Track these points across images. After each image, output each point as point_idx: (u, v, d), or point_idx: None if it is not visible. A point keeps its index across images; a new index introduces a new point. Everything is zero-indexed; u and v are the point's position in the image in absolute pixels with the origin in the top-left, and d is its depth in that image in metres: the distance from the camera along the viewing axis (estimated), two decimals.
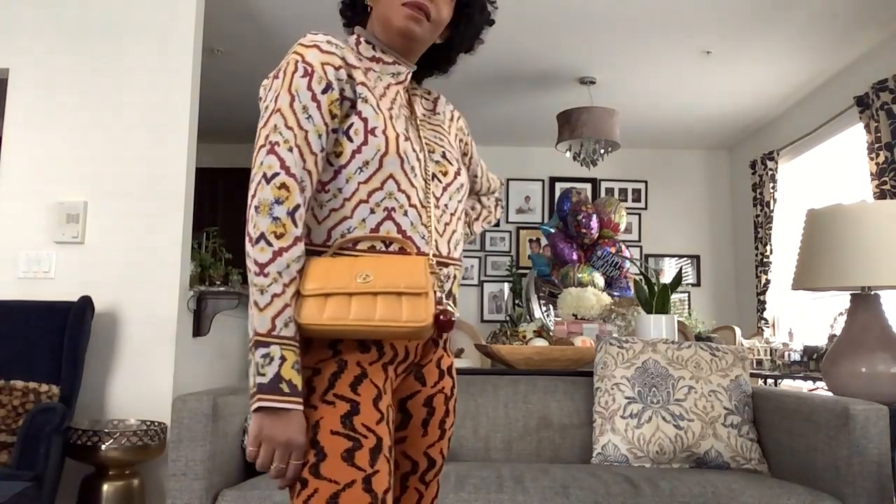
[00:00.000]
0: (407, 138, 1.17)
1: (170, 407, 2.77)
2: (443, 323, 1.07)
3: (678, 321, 3.57)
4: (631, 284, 4.60)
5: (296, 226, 1.06)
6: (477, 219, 1.54)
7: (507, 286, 6.24)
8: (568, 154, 4.93)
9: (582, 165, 4.92)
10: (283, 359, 1.02)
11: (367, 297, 1.05)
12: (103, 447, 2.48)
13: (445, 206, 1.21)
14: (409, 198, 1.15)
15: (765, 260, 5.42)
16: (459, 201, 1.25)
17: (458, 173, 1.25)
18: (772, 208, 5.37)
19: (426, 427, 1.23)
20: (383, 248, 1.12)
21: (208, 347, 3.20)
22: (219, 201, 5.97)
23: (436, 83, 1.40)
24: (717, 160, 6.47)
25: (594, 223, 4.80)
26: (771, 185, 5.38)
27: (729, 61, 4.50)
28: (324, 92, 1.11)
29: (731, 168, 6.40)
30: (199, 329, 3.05)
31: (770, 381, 4.09)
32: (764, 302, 5.37)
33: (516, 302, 5.72)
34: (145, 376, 2.84)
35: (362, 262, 1.08)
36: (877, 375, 2.23)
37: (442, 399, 1.24)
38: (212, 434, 1.93)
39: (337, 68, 1.13)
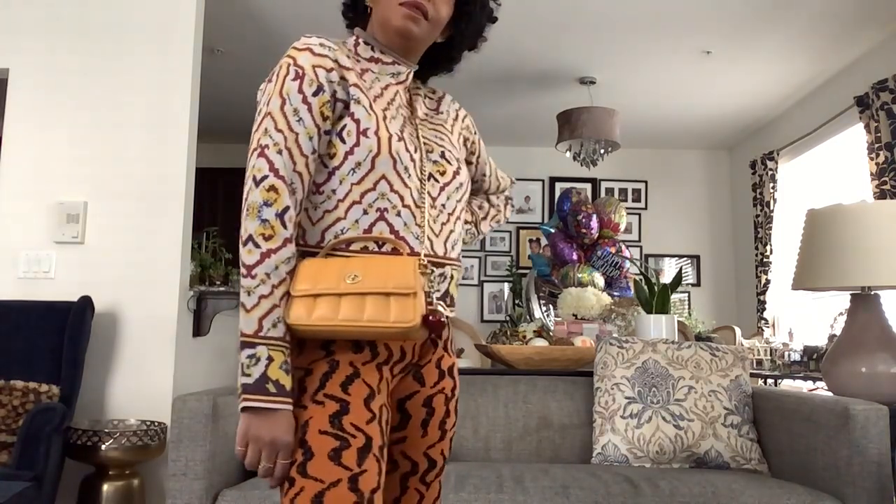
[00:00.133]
0: (400, 139, 1.16)
1: (170, 407, 2.77)
2: (432, 324, 1.07)
3: (678, 321, 3.57)
4: (631, 284, 4.60)
5: (285, 227, 1.07)
6: (485, 218, 1.53)
7: (507, 286, 6.24)
8: (568, 154, 4.93)
9: (582, 165, 4.92)
10: (269, 359, 1.03)
11: (356, 298, 1.05)
12: (103, 447, 2.48)
13: (443, 205, 1.21)
14: (402, 198, 1.15)
15: (765, 260, 5.42)
16: (458, 201, 1.24)
17: (457, 173, 1.24)
18: (772, 208, 5.37)
19: (426, 428, 1.22)
20: (376, 249, 1.13)
21: (208, 347, 3.20)
22: (219, 201, 5.97)
23: (440, 82, 1.40)
24: (717, 160, 6.47)
25: (594, 223, 4.80)
26: (771, 185, 5.38)
27: (729, 61, 4.50)
28: (315, 94, 1.11)
29: (731, 168, 6.41)
30: (199, 329, 3.05)
31: (770, 381, 4.09)
32: (764, 302, 5.37)
33: (516, 302, 5.72)
34: (145, 376, 2.84)
35: (353, 262, 1.09)
36: (877, 375, 2.23)
37: (442, 400, 1.24)
38: (212, 434, 1.93)
39: (329, 70, 1.13)
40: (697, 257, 6.35)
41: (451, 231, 1.22)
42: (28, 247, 2.89)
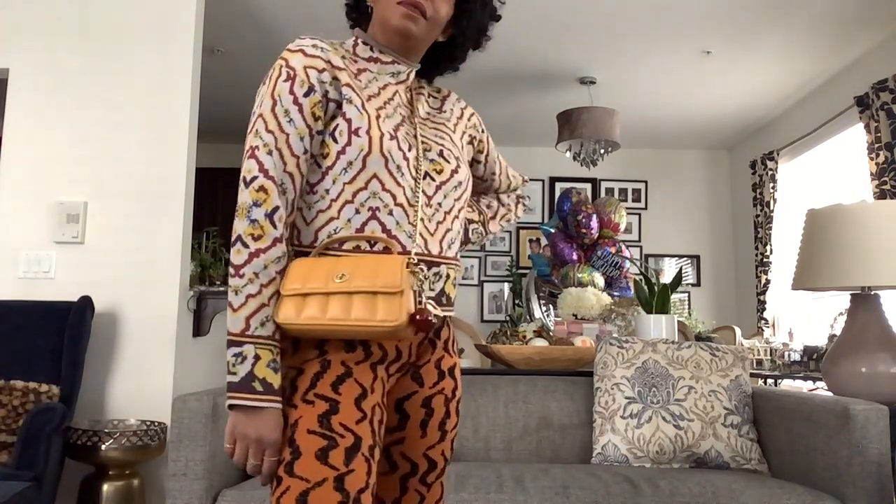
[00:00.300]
0: (393, 137, 1.16)
1: (170, 407, 2.77)
2: (419, 322, 1.06)
3: (678, 321, 3.57)
4: (631, 284, 4.60)
5: (275, 227, 1.08)
6: (494, 217, 1.52)
7: (507, 286, 6.24)
8: (568, 154, 4.93)
9: (582, 165, 4.92)
10: (256, 357, 1.05)
11: (343, 297, 1.06)
12: (103, 447, 2.48)
13: (439, 204, 1.20)
14: (394, 197, 1.14)
15: (765, 260, 5.42)
16: (457, 199, 1.24)
17: (455, 171, 1.24)
18: (772, 208, 5.37)
19: (425, 428, 1.22)
20: (368, 248, 1.13)
21: (208, 347, 3.20)
22: (219, 201, 5.97)
23: (445, 81, 1.40)
24: (717, 160, 6.47)
25: (594, 223, 4.80)
26: (771, 185, 5.38)
27: (729, 61, 4.50)
28: (306, 95, 1.12)
29: (731, 168, 6.41)
30: (199, 329, 3.05)
31: (770, 381, 4.09)
32: (764, 302, 5.37)
33: (516, 302, 5.72)
34: (145, 376, 2.84)
35: (343, 262, 1.09)
36: (877, 375, 2.23)
37: (442, 400, 1.24)
38: (212, 434, 1.93)
39: (320, 71, 1.14)
40: (697, 257, 6.35)
41: (448, 230, 1.21)
42: (28, 247, 2.89)
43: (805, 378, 3.81)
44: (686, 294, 6.28)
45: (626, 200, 6.37)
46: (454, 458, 2.43)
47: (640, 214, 6.38)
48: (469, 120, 1.39)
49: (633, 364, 2.39)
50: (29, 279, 2.87)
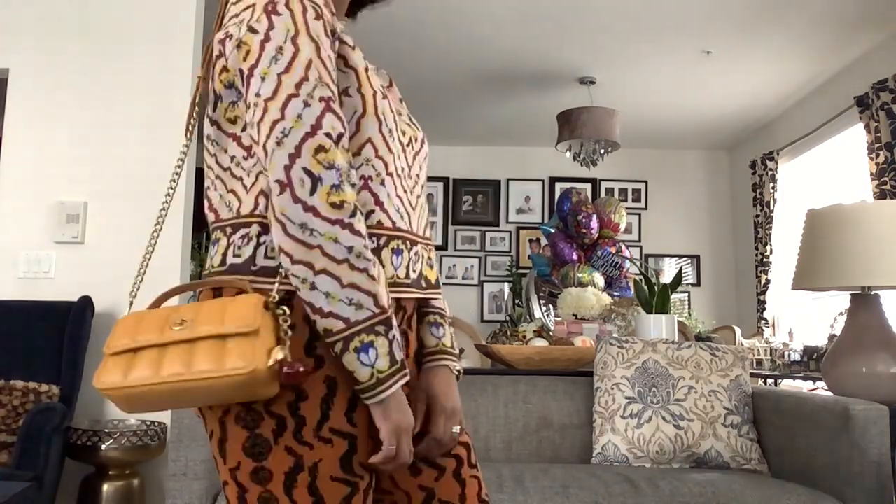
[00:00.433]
0: (385, 96, 1.03)
1: None
2: (287, 375, 0.86)
3: (678, 321, 3.57)
4: (631, 284, 4.60)
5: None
6: None
7: (507, 286, 6.24)
8: (568, 154, 4.93)
9: (582, 165, 4.92)
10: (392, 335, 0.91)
11: (184, 347, 0.87)
12: (103, 447, 2.48)
13: (417, 175, 1.09)
14: (386, 165, 1.00)
15: (765, 260, 5.42)
16: (425, 173, 1.13)
17: (424, 140, 1.12)
18: (772, 208, 5.37)
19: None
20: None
21: None
22: None
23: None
24: (717, 160, 6.47)
25: (594, 223, 4.80)
26: (771, 185, 5.39)
27: (729, 61, 4.50)
28: (329, 39, 0.96)
29: (731, 168, 6.41)
30: None
31: (770, 381, 4.09)
32: (764, 302, 5.38)
33: (516, 302, 5.72)
34: None
35: (184, 308, 0.91)
36: (877, 375, 2.23)
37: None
38: None
39: (332, 13, 0.99)
40: (697, 257, 6.35)
41: (424, 206, 1.10)
42: (28, 247, 2.89)
43: (805, 378, 3.81)
44: (686, 294, 6.28)
45: (626, 200, 6.37)
46: None
47: (640, 214, 6.38)
48: None
49: (633, 364, 2.39)
50: (29, 279, 2.87)
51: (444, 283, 6.32)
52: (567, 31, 4.15)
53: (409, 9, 3.85)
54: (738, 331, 4.83)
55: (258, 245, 0.95)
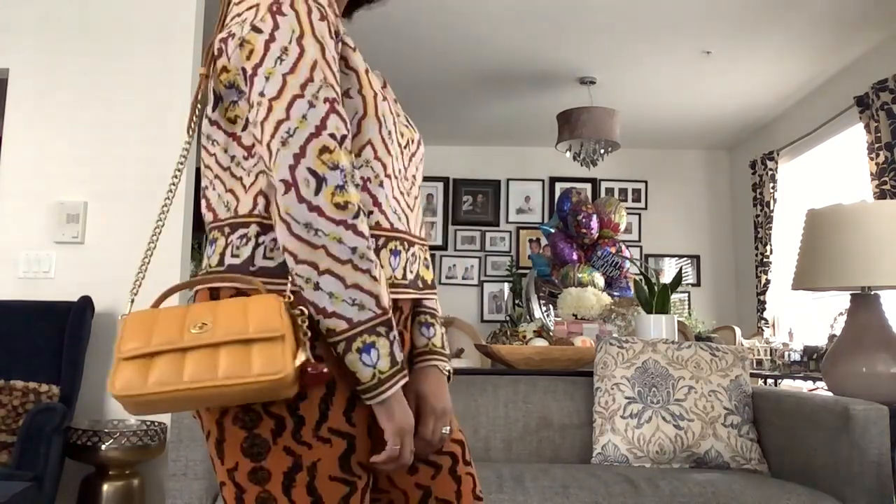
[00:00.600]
0: (385, 98, 1.03)
1: None
2: (311, 377, 0.86)
3: (678, 321, 3.57)
4: (631, 284, 4.60)
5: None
6: None
7: (507, 286, 6.25)
8: (568, 154, 4.93)
9: (582, 165, 4.92)
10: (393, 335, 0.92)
11: (206, 351, 0.85)
12: (103, 447, 2.48)
13: (413, 177, 1.10)
14: (384, 167, 1.00)
15: (765, 260, 5.43)
16: (421, 174, 1.14)
17: (421, 141, 1.13)
18: (772, 208, 5.37)
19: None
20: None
21: None
22: None
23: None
24: (717, 160, 6.47)
25: (594, 223, 4.80)
26: (771, 185, 5.39)
27: (729, 61, 4.50)
28: (336, 41, 0.97)
29: (731, 168, 6.41)
30: None
31: (770, 381, 4.09)
32: (764, 302, 5.38)
33: (516, 302, 5.72)
34: None
35: (198, 308, 0.89)
36: (877, 375, 2.23)
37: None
38: None
39: (336, 16, 0.99)
40: (697, 257, 6.35)
41: (419, 207, 1.11)
42: (28, 247, 2.89)
43: (805, 378, 3.81)
44: (686, 294, 6.28)
45: (626, 200, 6.37)
46: None
47: (640, 214, 6.38)
48: None
49: (633, 364, 2.39)
50: (29, 279, 2.87)
51: (443, 283, 6.32)
52: (566, 31, 4.15)
53: (405, 9, 3.85)
54: (738, 331, 4.83)
55: (257, 245, 0.95)
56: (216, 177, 1.02)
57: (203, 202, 1.05)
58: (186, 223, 2.97)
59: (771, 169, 5.39)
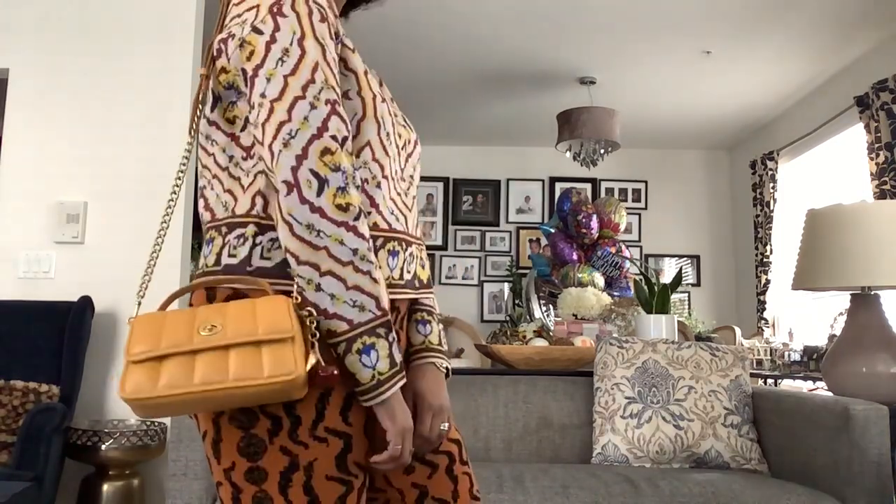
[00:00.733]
0: (384, 99, 1.03)
1: None
2: (322, 379, 0.86)
3: (678, 321, 3.57)
4: (631, 284, 4.60)
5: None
6: None
7: (507, 286, 6.24)
8: (568, 154, 4.93)
9: (582, 165, 4.92)
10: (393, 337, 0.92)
11: (216, 353, 0.84)
12: (103, 447, 2.48)
13: (411, 177, 1.10)
14: (382, 168, 1.01)
15: (765, 260, 5.42)
16: (418, 173, 1.15)
17: (418, 141, 1.13)
18: (772, 208, 5.37)
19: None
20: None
21: None
22: None
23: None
24: (717, 160, 6.47)
25: (594, 223, 4.80)
26: (771, 185, 5.39)
27: (729, 61, 4.50)
28: (336, 42, 0.97)
29: (731, 168, 6.41)
30: None
31: (770, 381, 4.09)
32: (764, 302, 5.38)
33: (516, 302, 5.72)
34: None
35: (207, 310, 0.89)
36: (877, 375, 2.23)
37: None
38: None
39: (336, 16, 0.99)
40: (697, 257, 6.35)
41: (415, 206, 1.12)
42: (28, 247, 2.89)
43: (805, 378, 3.81)
44: (686, 294, 6.28)
45: (626, 200, 6.37)
46: None
47: (640, 214, 6.38)
48: None
49: (633, 364, 2.39)
50: (29, 279, 2.87)
51: (443, 284, 6.32)
52: (566, 31, 4.15)
53: (404, 9, 3.84)
54: (738, 331, 4.83)
55: (254, 245, 0.95)
56: (214, 177, 1.02)
57: (201, 202, 1.05)
58: (186, 223, 2.97)
59: (771, 169, 5.39)
